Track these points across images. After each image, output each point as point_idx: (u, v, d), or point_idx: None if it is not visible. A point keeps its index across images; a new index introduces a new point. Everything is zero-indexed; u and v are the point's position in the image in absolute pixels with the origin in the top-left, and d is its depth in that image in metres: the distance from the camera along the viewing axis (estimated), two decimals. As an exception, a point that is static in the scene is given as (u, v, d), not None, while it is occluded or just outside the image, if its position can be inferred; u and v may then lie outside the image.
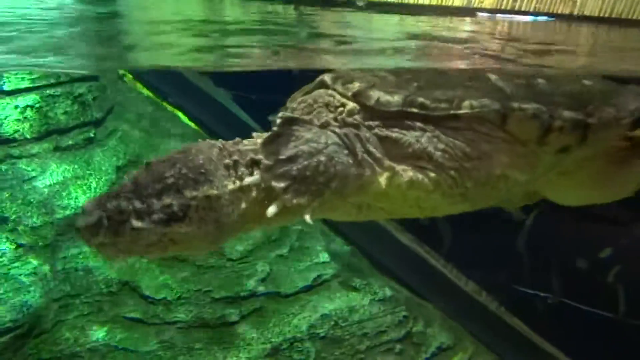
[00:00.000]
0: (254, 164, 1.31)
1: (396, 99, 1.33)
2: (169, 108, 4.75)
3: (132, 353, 3.02)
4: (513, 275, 3.41)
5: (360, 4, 4.12)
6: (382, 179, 1.34)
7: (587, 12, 3.66)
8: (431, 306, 3.76)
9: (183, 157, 1.27)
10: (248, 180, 1.28)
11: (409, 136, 1.33)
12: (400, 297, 3.67)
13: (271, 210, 1.23)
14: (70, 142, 3.77)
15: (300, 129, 1.29)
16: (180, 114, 4.69)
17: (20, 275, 3.07)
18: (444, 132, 1.34)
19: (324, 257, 3.71)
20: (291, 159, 1.25)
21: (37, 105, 3.65)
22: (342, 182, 1.27)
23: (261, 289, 3.41)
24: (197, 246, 1.30)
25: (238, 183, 1.28)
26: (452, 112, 1.32)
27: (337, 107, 1.38)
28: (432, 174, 1.34)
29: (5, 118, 3.52)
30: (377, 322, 3.47)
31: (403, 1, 4.20)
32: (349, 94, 1.37)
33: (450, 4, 4.06)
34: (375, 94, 1.34)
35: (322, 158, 1.25)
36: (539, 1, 3.75)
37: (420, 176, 1.34)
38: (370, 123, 1.34)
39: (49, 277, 3.17)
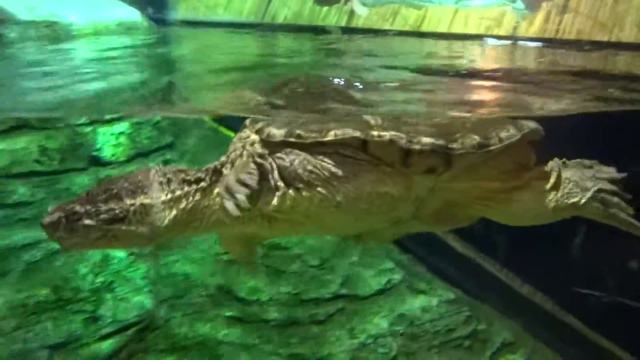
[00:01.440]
0: (184, 181, 1.67)
1: (280, 132, 1.64)
2: (225, 132, 5.18)
3: (237, 346, 3.38)
4: (567, 276, 3.72)
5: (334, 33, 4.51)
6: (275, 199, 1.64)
7: (623, 39, 4.03)
8: (490, 307, 4.09)
9: (127, 176, 1.68)
10: (178, 193, 1.64)
11: (286, 160, 1.62)
12: (462, 299, 4.01)
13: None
14: (152, 164, 4.19)
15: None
16: (234, 135, 5.09)
17: (136, 278, 3.46)
18: (314, 156, 1.62)
19: (389, 264, 4.07)
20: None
21: (127, 132, 4.11)
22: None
23: (342, 291, 3.78)
24: (136, 242, 1.65)
25: (170, 195, 1.64)
26: (319, 139, 1.61)
27: (245, 139, 1.69)
28: (305, 193, 1.61)
29: (105, 143, 3.97)
30: (446, 320, 3.82)
31: (450, 31, 4.60)
32: (254, 130, 1.70)
33: (495, 33, 4.46)
34: (267, 129, 1.65)
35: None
36: (579, 30, 4.13)
37: (292, 194, 1.62)
38: (263, 152, 1.64)
39: (157, 281, 3.55)
